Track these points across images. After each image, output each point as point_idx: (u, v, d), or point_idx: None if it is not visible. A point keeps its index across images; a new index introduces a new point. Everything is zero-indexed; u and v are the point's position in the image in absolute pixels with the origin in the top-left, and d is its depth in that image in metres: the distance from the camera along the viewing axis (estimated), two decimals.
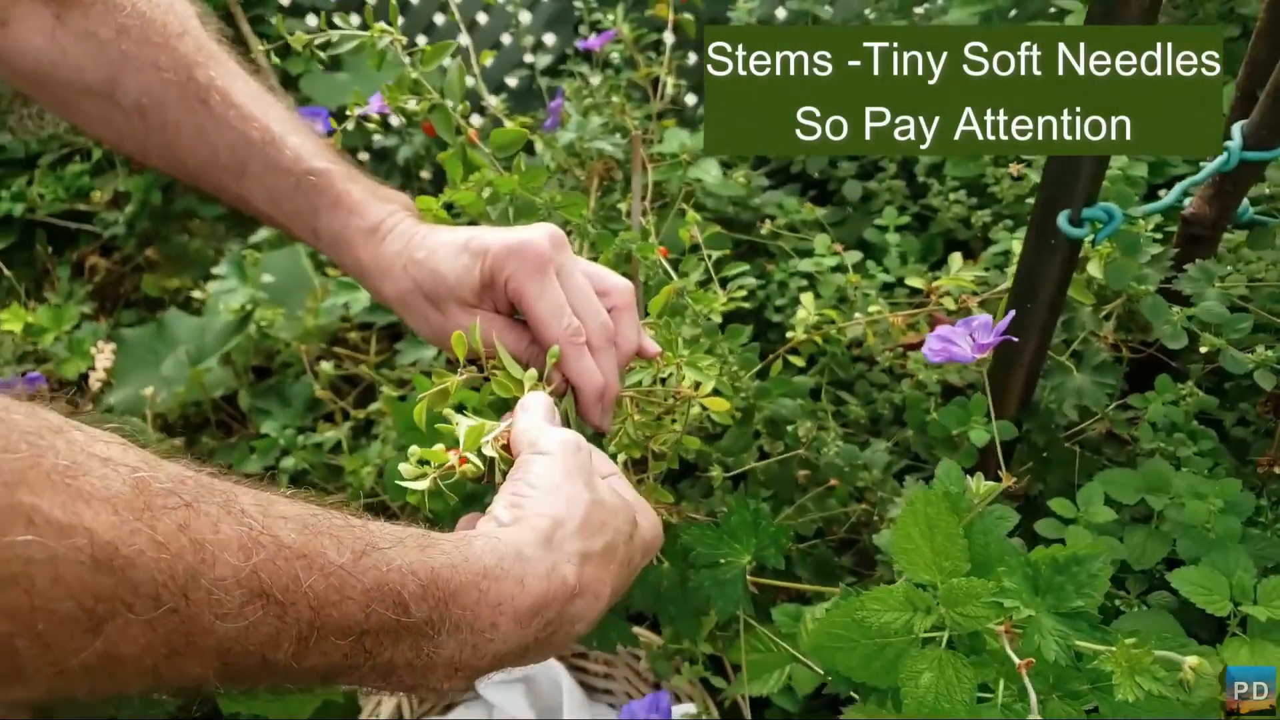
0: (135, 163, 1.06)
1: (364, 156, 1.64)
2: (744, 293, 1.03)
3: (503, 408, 0.69)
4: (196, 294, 1.47)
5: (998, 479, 0.68)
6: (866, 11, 1.74)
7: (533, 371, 0.69)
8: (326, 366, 1.23)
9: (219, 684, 0.42)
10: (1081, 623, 0.57)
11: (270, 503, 0.44)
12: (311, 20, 0.90)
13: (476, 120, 1.58)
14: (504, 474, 0.61)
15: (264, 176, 0.75)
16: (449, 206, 0.84)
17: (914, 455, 1.15)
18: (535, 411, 0.63)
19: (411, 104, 0.81)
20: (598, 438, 0.79)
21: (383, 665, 0.47)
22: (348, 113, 0.84)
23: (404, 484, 0.58)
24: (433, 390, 0.66)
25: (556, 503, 0.56)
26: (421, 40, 2.06)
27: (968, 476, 0.75)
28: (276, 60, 0.95)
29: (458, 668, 0.50)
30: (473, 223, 0.86)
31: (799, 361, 1.15)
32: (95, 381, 1.26)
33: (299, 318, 1.28)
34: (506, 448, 0.62)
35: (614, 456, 0.80)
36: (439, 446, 0.60)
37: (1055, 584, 0.58)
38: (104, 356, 1.28)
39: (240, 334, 1.20)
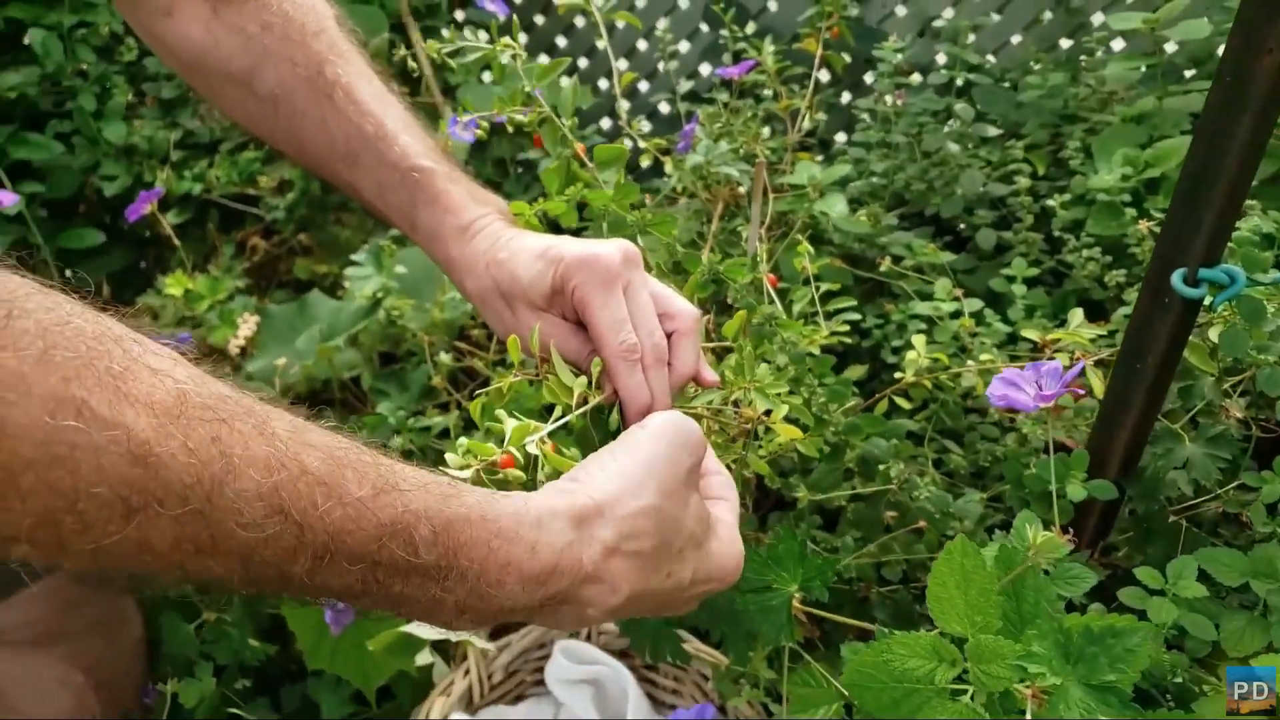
0: (267, 144, 1.17)
1: (519, 169, 1.71)
2: (846, 328, 1.03)
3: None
4: (345, 279, 1.56)
5: (1092, 542, 0.66)
6: (1032, 64, 1.71)
7: (583, 379, 0.71)
8: (445, 358, 1.29)
9: (241, 589, 0.46)
10: (1112, 698, 0.55)
11: (303, 430, 0.48)
12: (484, 35, 0.95)
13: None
14: (548, 476, 0.63)
15: (374, 169, 0.80)
16: (543, 215, 0.87)
17: (1010, 510, 1.12)
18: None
19: (520, 115, 0.85)
20: None
21: (394, 595, 0.50)
22: (458, 117, 0.88)
23: (448, 472, 0.60)
24: (491, 388, 0.69)
25: (613, 488, 0.58)
26: (582, 63, 2.13)
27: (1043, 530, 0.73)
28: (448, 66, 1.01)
29: (464, 610, 0.53)
30: (569, 232, 0.89)
31: (906, 405, 1.14)
32: (234, 348, 1.36)
33: (426, 310, 1.34)
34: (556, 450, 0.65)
35: None
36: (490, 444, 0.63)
37: (1088, 654, 0.56)
38: (247, 327, 1.38)
39: (370, 318, 1.26)
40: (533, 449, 0.63)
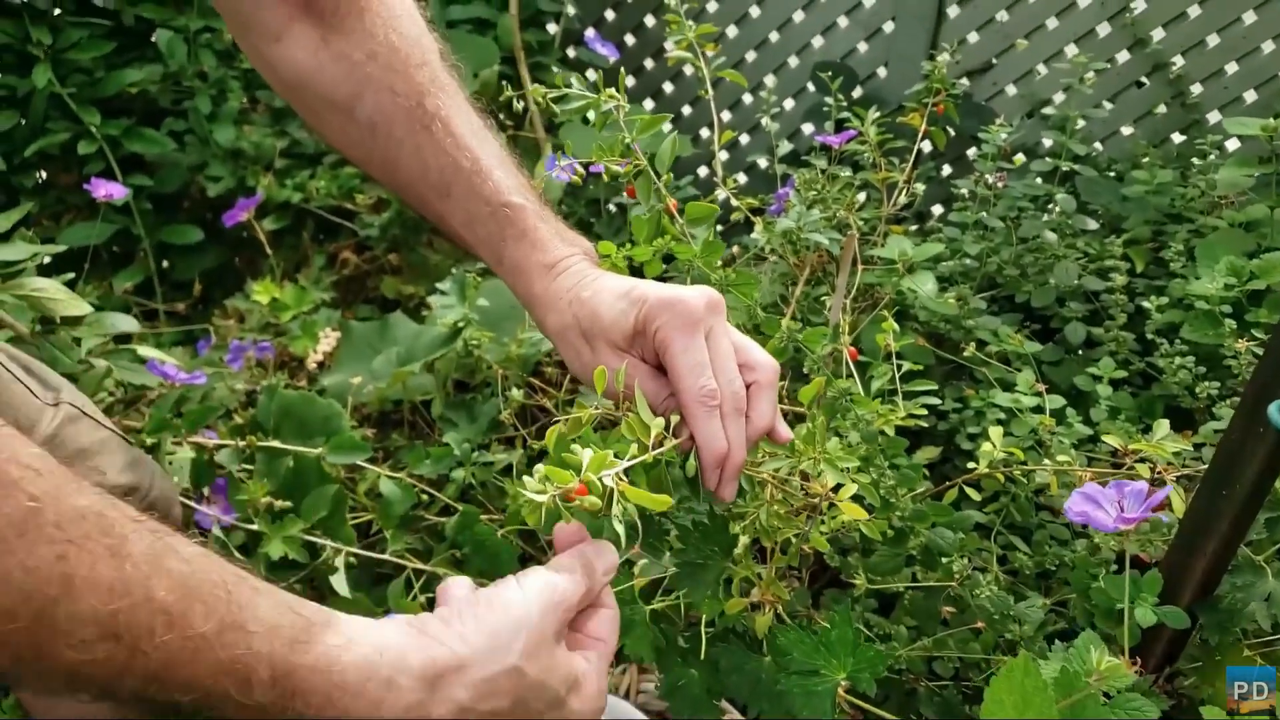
0: (361, 170, 1.19)
1: (611, 208, 1.72)
2: (924, 411, 1.01)
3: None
4: (431, 301, 1.58)
5: (1157, 667, 0.63)
6: (1140, 158, 1.68)
7: (661, 420, 0.70)
8: (517, 394, 1.29)
9: (68, 691, 0.47)
10: None
11: (163, 554, 0.49)
12: (591, 75, 0.97)
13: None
14: (625, 511, 0.63)
15: (465, 200, 0.81)
16: (629, 261, 0.87)
17: (1073, 620, 1.08)
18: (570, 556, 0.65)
19: (617, 166, 0.86)
20: (709, 508, 0.80)
21: (228, 717, 0.51)
22: (556, 159, 0.89)
23: (526, 493, 0.60)
24: (570, 418, 0.69)
25: (479, 643, 0.58)
26: (685, 110, 2.14)
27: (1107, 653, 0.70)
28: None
29: None
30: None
31: (976, 496, 1.11)
32: (312, 362, 1.38)
33: (504, 344, 1.35)
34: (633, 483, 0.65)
35: (736, 538, 0.80)
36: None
37: None
38: (328, 341, 1.40)
39: (448, 347, 1.28)
40: (609, 482, 0.62)
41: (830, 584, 1.28)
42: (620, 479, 0.63)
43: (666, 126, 0.87)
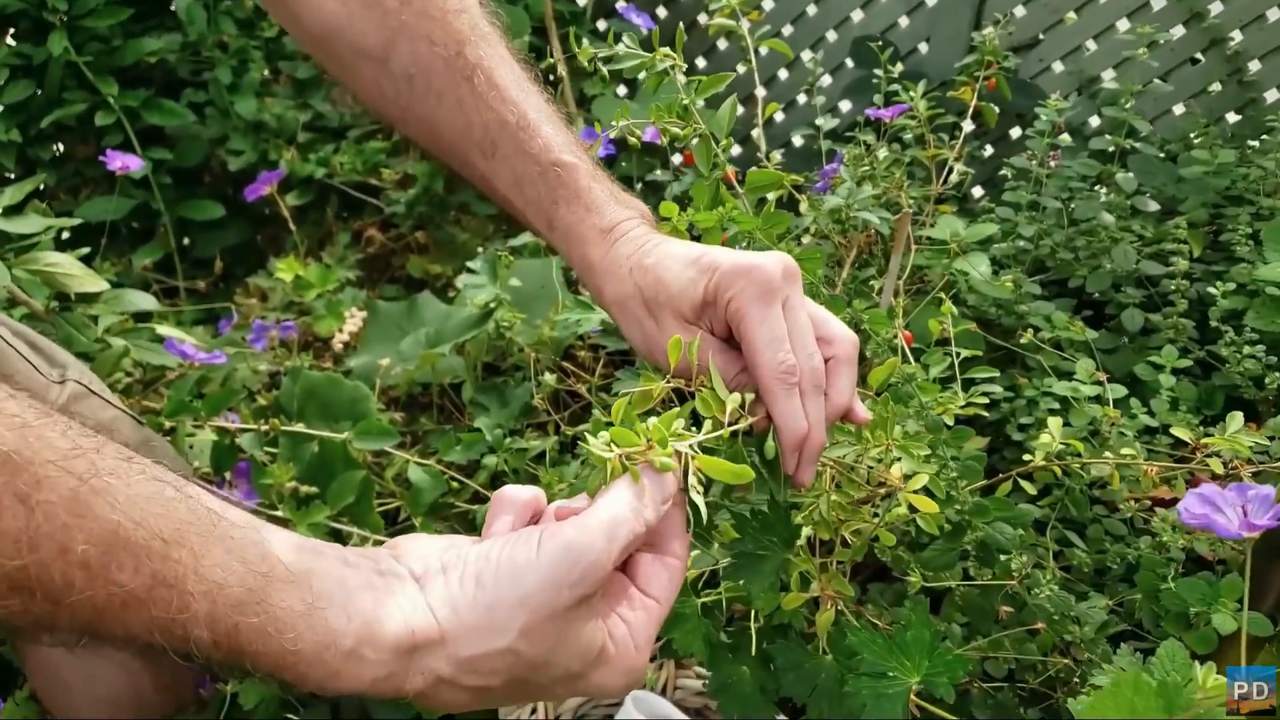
0: (397, 130, 1.13)
1: (638, 187, 1.67)
2: (985, 400, 0.96)
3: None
4: (458, 282, 1.53)
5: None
6: (1192, 137, 1.61)
7: (737, 396, 0.65)
8: (550, 378, 1.24)
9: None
10: None
11: (91, 501, 0.45)
12: (620, 49, 0.92)
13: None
14: (700, 481, 0.58)
15: (512, 159, 0.76)
16: (690, 228, 0.82)
17: (1136, 622, 1.03)
18: (613, 502, 0.56)
19: (676, 128, 0.80)
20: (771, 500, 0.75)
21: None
22: (610, 130, 0.84)
23: (593, 448, 0.56)
24: (637, 390, 0.64)
25: (471, 620, 0.52)
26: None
27: (1196, 665, 0.65)
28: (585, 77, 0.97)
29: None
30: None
31: (1030, 489, 1.06)
32: (338, 343, 1.34)
33: (537, 326, 1.30)
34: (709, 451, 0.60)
35: (799, 530, 0.75)
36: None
37: None
38: (354, 321, 1.35)
39: (479, 328, 1.23)
40: (682, 447, 0.57)
41: (873, 578, 1.23)
42: (695, 451, 0.58)
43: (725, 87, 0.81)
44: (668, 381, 0.66)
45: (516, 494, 0.59)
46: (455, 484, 1.16)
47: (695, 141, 0.82)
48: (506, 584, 0.52)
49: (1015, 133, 1.83)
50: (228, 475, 1.08)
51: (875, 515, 0.86)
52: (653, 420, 0.57)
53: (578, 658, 0.55)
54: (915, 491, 0.71)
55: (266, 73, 1.84)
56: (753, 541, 0.73)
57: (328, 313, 1.42)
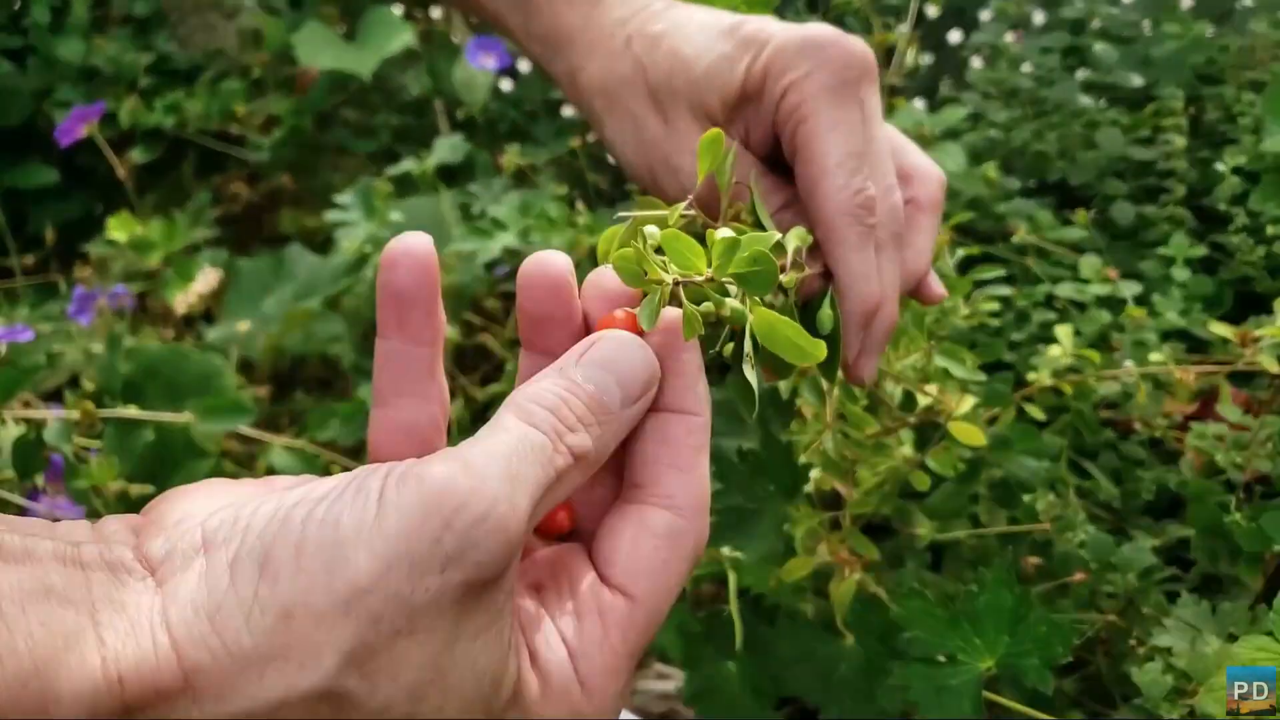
0: None
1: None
2: (995, 305, 0.77)
3: None
4: (329, 219, 1.29)
5: None
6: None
7: (801, 232, 0.44)
8: (451, 331, 1.02)
9: None
10: None
11: None
12: None
13: None
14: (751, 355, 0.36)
15: None
16: None
17: (1182, 562, 0.85)
18: (526, 410, 0.33)
19: None
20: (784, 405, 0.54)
21: None
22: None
23: (640, 257, 0.34)
24: (641, 214, 0.41)
25: (237, 641, 0.28)
26: None
27: None
28: None
29: None
30: None
31: (1037, 413, 0.88)
32: (182, 306, 1.09)
33: None
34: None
35: (804, 473, 0.54)
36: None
37: None
38: (204, 281, 1.11)
39: (354, 276, 1.00)
40: (732, 300, 0.35)
41: (866, 532, 1.04)
42: (753, 300, 0.35)
43: None
44: (689, 206, 0.42)
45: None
46: (338, 469, 0.94)
47: None
48: (318, 569, 0.29)
49: (986, 15, 1.64)
50: (39, 481, 0.84)
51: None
52: (724, 231, 0.35)
53: (464, 702, 0.31)
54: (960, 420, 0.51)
55: (94, 9, 1.57)
56: (742, 492, 0.53)
57: (178, 277, 1.17)
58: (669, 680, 0.89)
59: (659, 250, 0.34)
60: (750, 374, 0.35)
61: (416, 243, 0.35)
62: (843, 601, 0.57)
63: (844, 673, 0.58)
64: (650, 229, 0.35)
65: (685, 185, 0.48)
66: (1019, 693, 0.73)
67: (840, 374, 0.47)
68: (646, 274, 0.33)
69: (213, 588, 0.29)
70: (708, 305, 0.34)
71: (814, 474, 0.56)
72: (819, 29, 0.47)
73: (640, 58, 0.50)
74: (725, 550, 0.60)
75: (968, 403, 0.53)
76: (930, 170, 0.51)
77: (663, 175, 0.50)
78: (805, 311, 0.46)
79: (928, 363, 0.53)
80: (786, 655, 0.59)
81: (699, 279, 0.34)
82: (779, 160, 0.49)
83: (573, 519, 0.37)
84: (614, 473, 0.37)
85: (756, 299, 0.35)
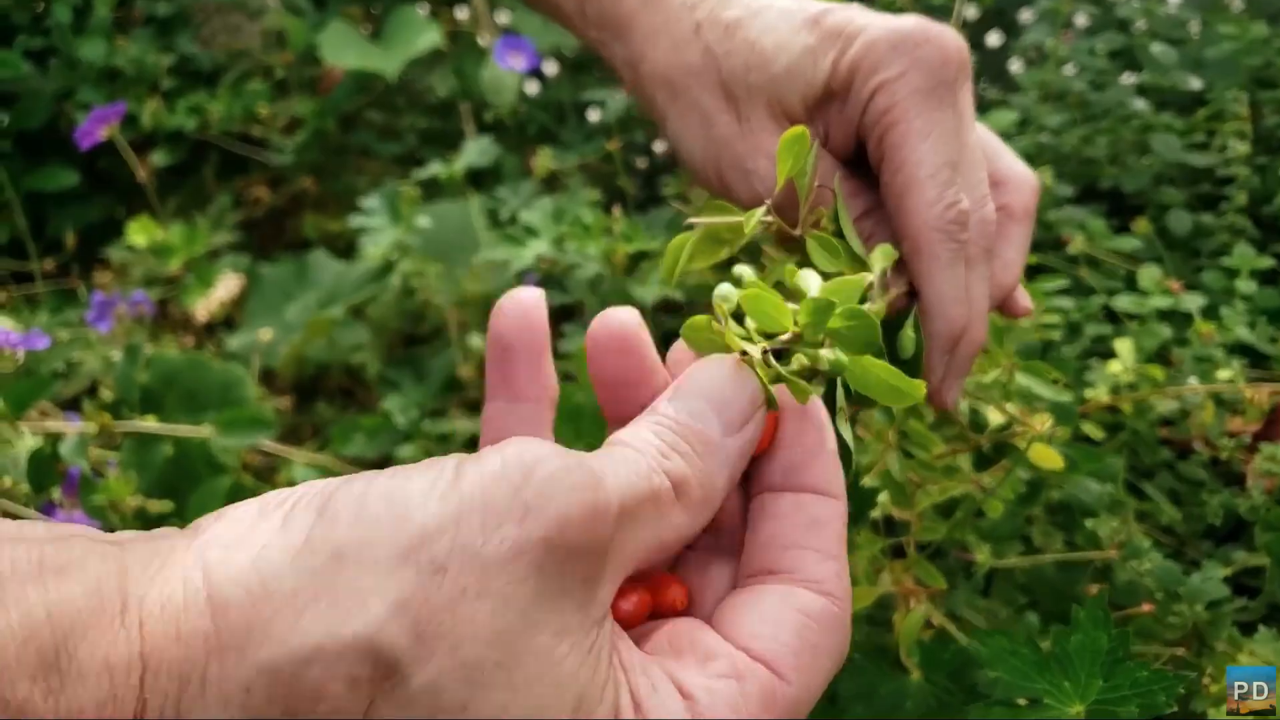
0: None
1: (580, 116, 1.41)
2: (1058, 318, 0.72)
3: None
4: (352, 223, 1.25)
5: None
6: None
7: (888, 249, 0.41)
8: (479, 341, 0.99)
9: None
10: None
11: None
12: None
13: None
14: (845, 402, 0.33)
15: None
16: None
17: (1248, 591, 0.81)
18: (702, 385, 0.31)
19: None
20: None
21: None
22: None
23: (726, 329, 0.31)
24: (714, 219, 0.37)
25: (280, 581, 0.25)
26: None
27: None
28: None
29: None
30: None
31: (1096, 432, 0.83)
32: (203, 313, 1.06)
33: (457, 279, 1.04)
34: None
35: (872, 498, 0.50)
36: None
37: None
38: (226, 288, 1.08)
39: (379, 283, 0.97)
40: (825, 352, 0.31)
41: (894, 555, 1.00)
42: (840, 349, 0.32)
43: None
44: (767, 213, 0.39)
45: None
46: None
47: None
48: (381, 515, 0.25)
49: (1026, 17, 1.60)
50: (56, 495, 0.81)
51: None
52: (813, 279, 0.32)
53: (534, 712, 0.26)
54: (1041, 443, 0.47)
55: (116, 9, 1.54)
56: None
57: (198, 282, 1.14)
58: None
59: (738, 316, 0.30)
60: (845, 429, 0.31)
61: (526, 295, 0.34)
62: (910, 634, 0.53)
63: (910, 711, 0.53)
64: (724, 289, 0.31)
65: (759, 189, 0.44)
66: None
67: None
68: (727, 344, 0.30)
69: (260, 530, 0.26)
70: (800, 359, 0.30)
71: (881, 498, 0.52)
72: (912, 22, 0.43)
73: (712, 47, 0.46)
74: None
75: (1048, 423, 0.49)
76: (1025, 176, 0.48)
77: (733, 176, 0.46)
78: (886, 332, 0.42)
79: (1010, 380, 0.49)
80: (850, 691, 0.55)
81: (786, 338, 0.30)
82: (860, 161, 0.46)
83: (689, 599, 0.33)
84: (732, 554, 0.33)
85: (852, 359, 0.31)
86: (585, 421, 0.60)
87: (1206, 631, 0.74)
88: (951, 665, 0.52)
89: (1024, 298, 0.48)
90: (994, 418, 0.52)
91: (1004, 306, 0.48)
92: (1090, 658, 0.44)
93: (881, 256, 0.40)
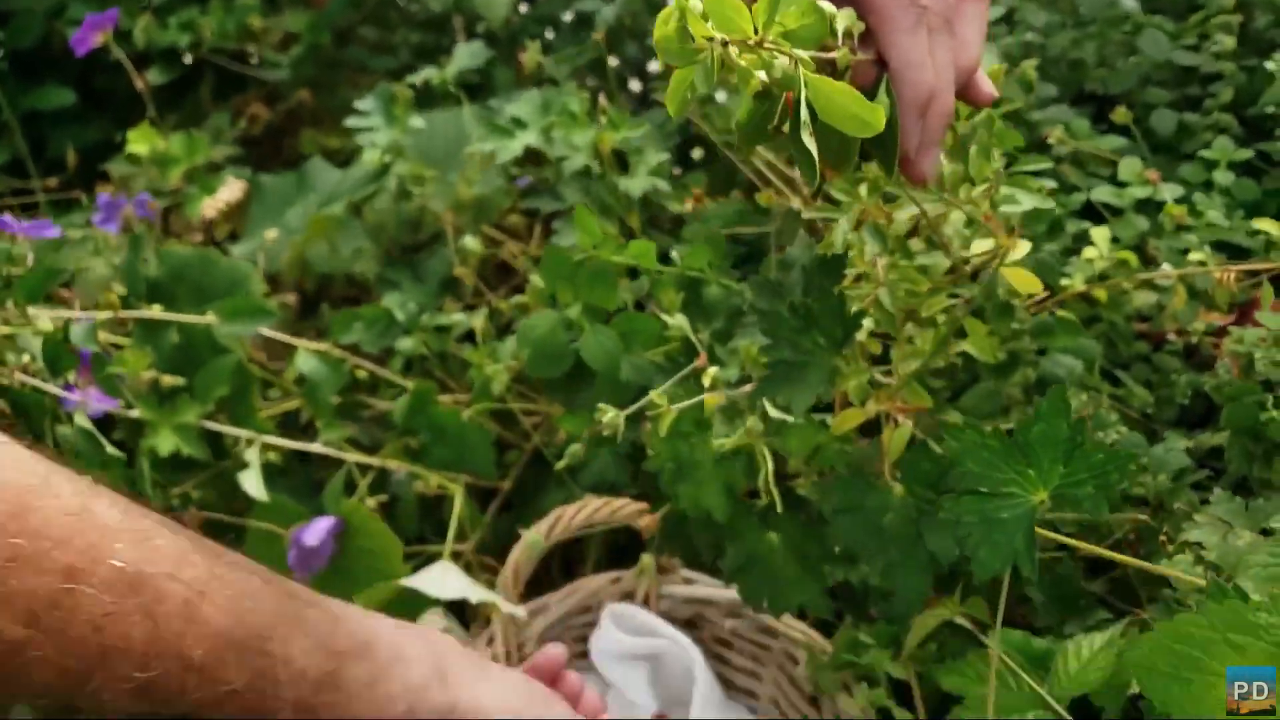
0: None
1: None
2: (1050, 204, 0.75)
3: None
4: (349, 125, 1.26)
5: None
6: None
7: (850, 13, 0.43)
8: (473, 243, 1.00)
9: None
10: None
11: (199, 604, 0.44)
12: None
13: None
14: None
15: None
16: None
17: (1214, 468, 0.84)
18: None
19: None
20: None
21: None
22: None
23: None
24: None
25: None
26: None
27: None
28: None
29: None
30: None
31: (1072, 317, 0.86)
32: (210, 211, 1.08)
33: (451, 183, 1.06)
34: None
35: (856, 320, 0.53)
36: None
37: None
38: (230, 191, 1.10)
39: (377, 183, 0.99)
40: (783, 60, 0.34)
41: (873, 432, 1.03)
42: (806, 61, 0.34)
43: None
44: None
45: None
46: (364, 375, 0.93)
47: None
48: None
49: None
50: (71, 377, 0.83)
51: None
52: None
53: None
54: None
55: None
56: (790, 346, 0.52)
57: (201, 191, 1.16)
58: (695, 585, 0.89)
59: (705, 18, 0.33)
60: (809, 141, 0.34)
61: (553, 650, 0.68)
62: (896, 449, 0.56)
63: (890, 523, 0.56)
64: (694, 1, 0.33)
65: None
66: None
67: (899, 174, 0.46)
68: (693, 41, 0.32)
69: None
70: (758, 77, 0.33)
71: (866, 323, 0.55)
72: None
73: None
74: (770, 410, 0.59)
75: (1023, 247, 0.52)
76: None
77: None
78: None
79: (988, 198, 0.51)
80: (837, 504, 0.58)
81: (746, 41, 0.33)
82: None
83: None
84: None
85: (809, 65, 0.34)
86: (581, 279, 0.63)
87: (1167, 499, 0.77)
88: (932, 475, 0.55)
89: (986, 83, 0.51)
90: (977, 246, 0.54)
91: (968, 91, 0.50)
92: (1051, 446, 0.47)
93: (843, 17, 0.42)
